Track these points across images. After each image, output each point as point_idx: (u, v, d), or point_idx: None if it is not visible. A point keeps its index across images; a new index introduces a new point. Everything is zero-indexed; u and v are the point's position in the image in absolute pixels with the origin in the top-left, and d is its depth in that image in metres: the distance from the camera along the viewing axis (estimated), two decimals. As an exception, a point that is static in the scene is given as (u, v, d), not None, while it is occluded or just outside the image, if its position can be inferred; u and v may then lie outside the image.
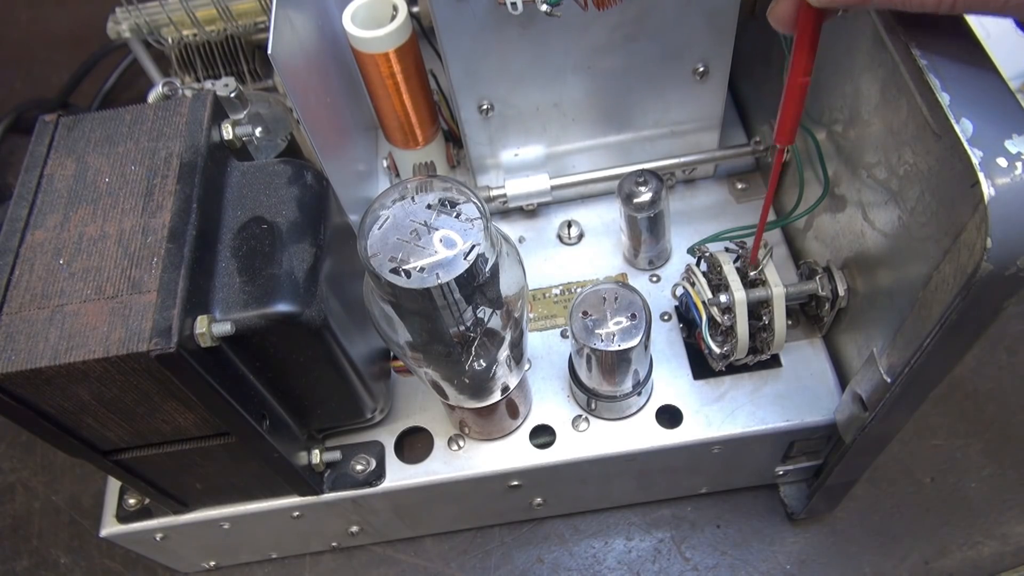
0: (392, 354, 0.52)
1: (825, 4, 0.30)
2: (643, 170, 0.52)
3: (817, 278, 0.47)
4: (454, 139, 0.62)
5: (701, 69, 0.52)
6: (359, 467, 0.50)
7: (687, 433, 0.49)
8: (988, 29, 0.39)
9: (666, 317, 0.53)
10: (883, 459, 0.47)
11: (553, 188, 0.57)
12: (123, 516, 0.51)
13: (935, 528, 0.56)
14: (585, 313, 0.45)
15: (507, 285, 0.38)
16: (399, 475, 0.50)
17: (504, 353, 0.42)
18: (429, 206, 0.36)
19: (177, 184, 0.38)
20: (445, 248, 0.35)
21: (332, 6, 0.56)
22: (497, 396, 0.46)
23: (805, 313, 0.51)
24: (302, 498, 0.50)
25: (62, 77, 0.91)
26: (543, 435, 0.50)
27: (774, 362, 0.50)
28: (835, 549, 0.56)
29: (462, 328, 0.37)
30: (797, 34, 0.34)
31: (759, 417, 0.49)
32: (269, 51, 0.44)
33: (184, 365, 0.34)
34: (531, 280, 0.56)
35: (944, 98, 0.31)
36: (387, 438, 0.51)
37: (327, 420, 0.49)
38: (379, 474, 0.50)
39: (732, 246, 0.49)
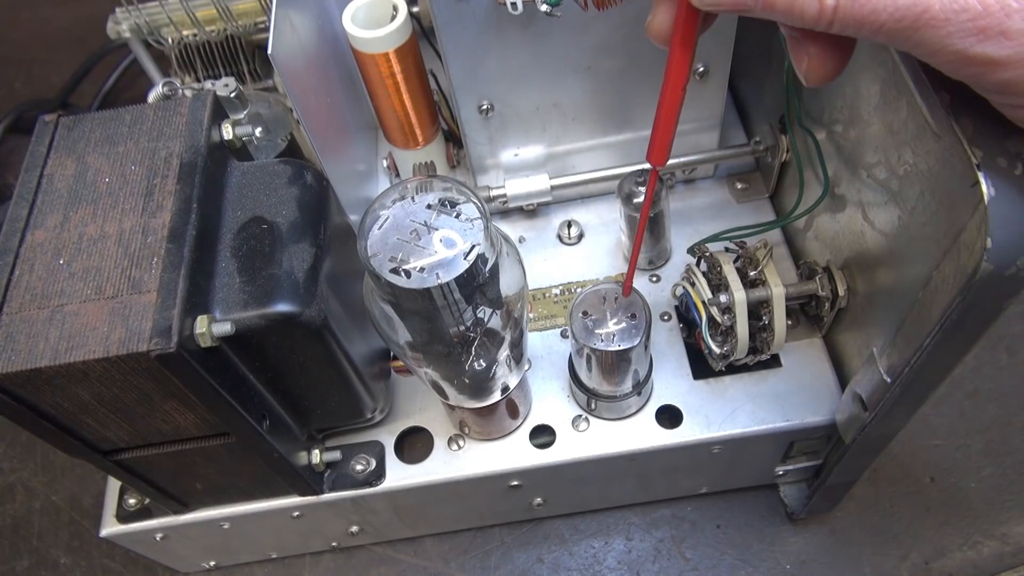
0: (392, 354, 0.52)
1: (708, 6, 0.28)
2: (643, 170, 0.52)
3: (817, 278, 0.47)
4: (454, 139, 0.62)
5: (701, 69, 0.52)
6: (359, 467, 0.50)
7: (687, 433, 0.49)
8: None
9: (666, 317, 0.53)
10: (883, 459, 0.47)
11: (553, 188, 0.57)
12: (123, 516, 0.51)
13: (935, 528, 0.56)
14: (585, 313, 0.45)
15: (507, 285, 0.38)
16: (399, 475, 0.50)
17: (504, 353, 0.42)
18: (429, 206, 0.36)
19: (177, 184, 0.38)
20: (445, 248, 0.35)
21: (332, 6, 0.56)
22: (497, 396, 0.46)
23: (805, 313, 0.51)
24: (302, 498, 0.50)
25: (62, 77, 0.91)
26: (543, 435, 0.50)
27: (774, 362, 0.50)
28: (835, 549, 0.56)
29: (462, 328, 0.37)
30: (676, 43, 0.32)
31: (759, 417, 0.49)
32: (269, 51, 0.44)
33: (184, 365, 0.34)
34: (531, 280, 0.56)
35: (944, 98, 0.31)
36: (387, 438, 0.51)
37: (327, 420, 0.49)
38: (379, 474, 0.50)
39: (732, 246, 0.49)
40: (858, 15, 0.25)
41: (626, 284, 0.44)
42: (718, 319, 0.46)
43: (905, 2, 0.24)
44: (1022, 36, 0.24)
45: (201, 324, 0.35)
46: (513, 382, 0.46)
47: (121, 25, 0.70)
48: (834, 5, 0.25)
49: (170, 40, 0.69)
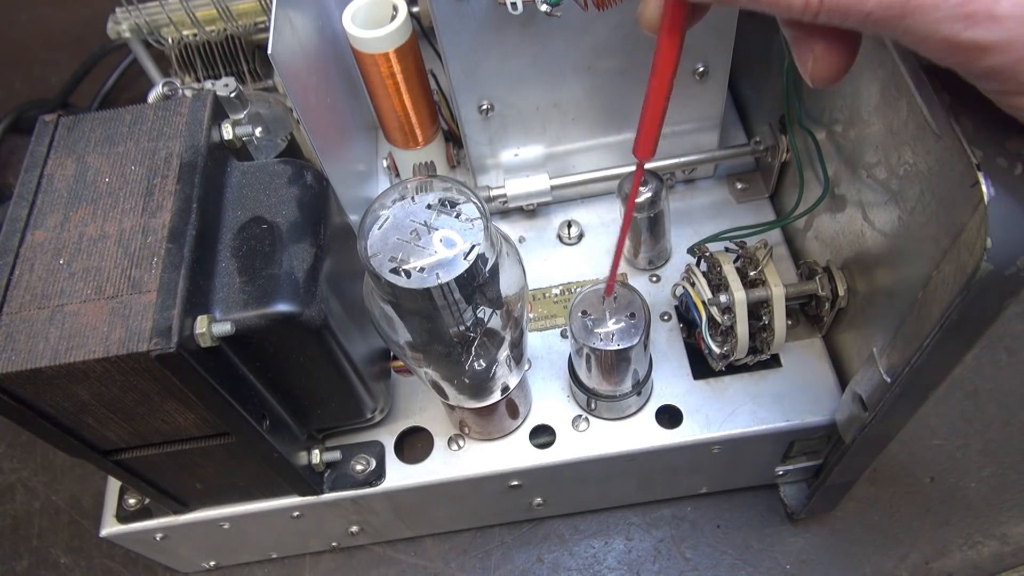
0: (392, 354, 0.52)
1: None
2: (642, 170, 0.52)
3: (817, 278, 0.47)
4: (454, 139, 0.62)
5: (701, 69, 0.52)
6: (359, 467, 0.50)
7: (687, 433, 0.49)
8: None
9: (666, 317, 0.53)
10: (883, 459, 0.47)
11: (553, 188, 0.57)
12: (123, 516, 0.51)
13: (935, 528, 0.56)
14: (584, 313, 0.45)
15: (507, 285, 0.38)
16: (399, 475, 0.50)
17: (504, 353, 0.42)
18: (429, 206, 0.36)
19: (177, 184, 0.38)
20: (445, 248, 0.35)
21: (332, 6, 0.56)
22: (497, 396, 0.46)
23: (805, 313, 0.51)
24: (302, 498, 0.50)
25: (62, 77, 0.91)
26: (543, 435, 0.50)
27: (774, 362, 0.50)
28: (835, 549, 0.56)
29: (462, 328, 0.37)
30: (664, 35, 0.31)
31: (759, 417, 0.49)
32: (269, 51, 0.44)
33: (184, 365, 0.34)
34: (531, 280, 0.56)
35: (944, 98, 0.31)
36: (387, 438, 0.51)
37: (327, 420, 0.49)
38: (379, 474, 0.50)
39: (732, 246, 0.49)
40: (844, 4, 0.25)
41: (609, 282, 0.43)
42: (718, 319, 0.46)
43: None
44: (1010, 20, 0.23)
45: (201, 324, 0.35)
46: (513, 382, 0.46)
47: (121, 25, 0.70)
48: None
49: (170, 40, 0.69)
